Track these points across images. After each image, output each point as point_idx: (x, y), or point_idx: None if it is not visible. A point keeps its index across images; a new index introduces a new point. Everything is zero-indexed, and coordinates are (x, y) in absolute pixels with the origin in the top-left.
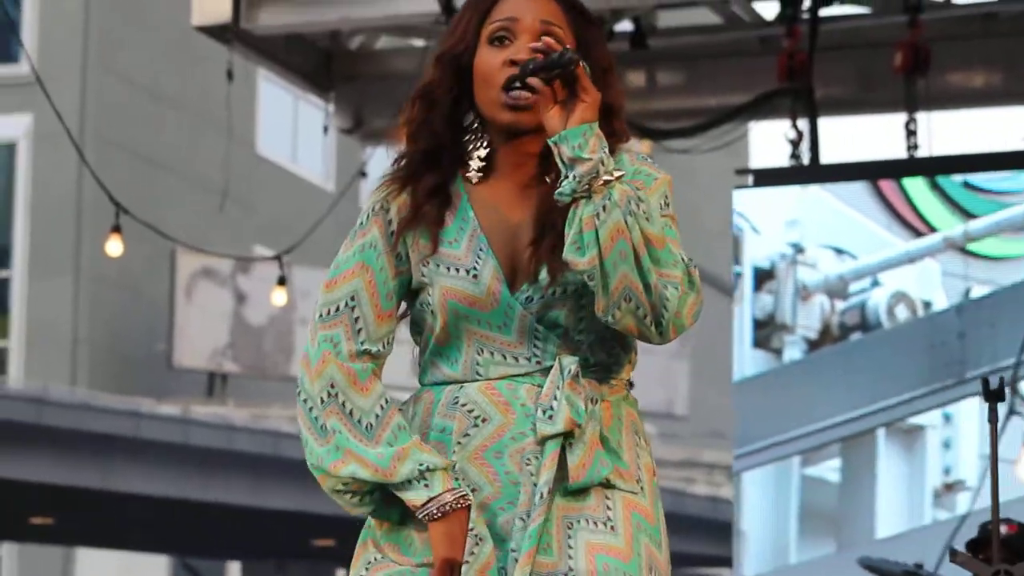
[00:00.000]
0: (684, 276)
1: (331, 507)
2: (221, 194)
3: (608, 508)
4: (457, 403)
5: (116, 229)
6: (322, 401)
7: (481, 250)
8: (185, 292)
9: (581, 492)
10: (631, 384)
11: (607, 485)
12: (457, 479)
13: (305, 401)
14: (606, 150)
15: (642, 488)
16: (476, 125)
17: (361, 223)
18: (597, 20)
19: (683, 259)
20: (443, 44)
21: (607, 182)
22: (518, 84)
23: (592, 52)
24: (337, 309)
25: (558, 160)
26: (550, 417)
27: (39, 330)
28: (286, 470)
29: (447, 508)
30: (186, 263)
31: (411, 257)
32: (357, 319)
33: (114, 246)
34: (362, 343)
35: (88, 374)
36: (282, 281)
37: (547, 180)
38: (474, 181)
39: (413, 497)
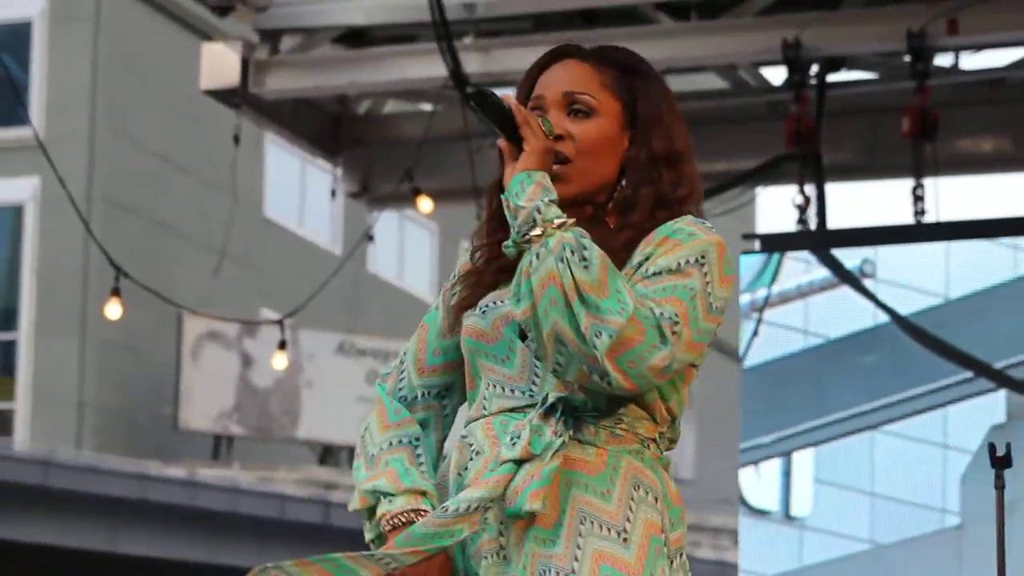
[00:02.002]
0: (648, 328)
1: None
2: (220, 256)
3: (576, 559)
4: (464, 439)
5: (116, 292)
6: (361, 438)
7: (507, 298)
8: (191, 355)
9: (550, 539)
10: (655, 443)
11: (579, 537)
12: (428, 499)
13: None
14: (547, 200)
15: (626, 540)
16: None
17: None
18: (646, 70)
19: (653, 312)
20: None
21: (544, 230)
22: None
23: (638, 104)
24: (392, 368)
25: (507, 215)
26: (513, 443)
27: (45, 392)
28: (292, 533)
29: (398, 520)
30: (192, 326)
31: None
32: (403, 371)
33: (113, 309)
34: (400, 389)
35: (94, 436)
36: (283, 345)
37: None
38: None
39: (378, 512)
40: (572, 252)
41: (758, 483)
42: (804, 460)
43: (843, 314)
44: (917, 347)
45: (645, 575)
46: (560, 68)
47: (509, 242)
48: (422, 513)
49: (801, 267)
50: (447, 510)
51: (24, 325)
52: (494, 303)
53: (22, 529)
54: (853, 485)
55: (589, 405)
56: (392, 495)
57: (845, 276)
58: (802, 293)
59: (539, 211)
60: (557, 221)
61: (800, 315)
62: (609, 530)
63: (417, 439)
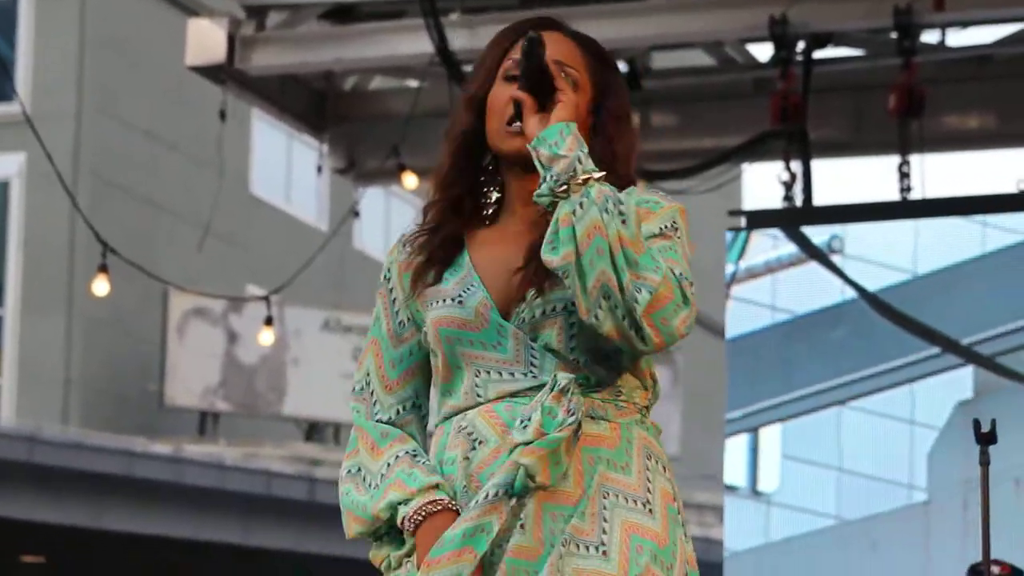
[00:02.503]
0: (675, 288)
1: (323, 546)
2: (204, 231)
3: (604, 532)
4: (462, 430)
5: (103, 269)
6: (349, 473)
7: (472, 285)
8: (177, 331)
9: (576, 515)
10: (648, 410)
11: (604, 511)
12: (442, 488)
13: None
14: (585, 151)
15: (651, 511)
16: (491, 165)
17: (378, 290)
18: (616, 67)
19: (674, 272)
20: (468, 86)
21: (585, 181)
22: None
23: (607, 99)
24: (361, 388)
25: (537, 164)
26: (524, 427)
27: (31, 368)
28: (278, 509)
29: (418, 517)
30: (178, 302)
31: (412, 312)
32: (372, 393)
33: (100, 286)
34: (376, 414)
35: (80, 413)
36: (269, 321)
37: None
38: (487, 222)
39: (398, 519)
40: (613, 205)
41: (725, 458)
42: (771, 436)
43: (811, 290)
44: (884, 323)
45: (671, 543)
46: (547, 37)
47: (544, 189)
48: (439, 503)
49: (769, 243)
50: (477, 502)
51: (10, 301)
52: (466, 290)
53: (8, 505)
54: (820, 461)
55: (592, 380)
56: (406, 500)
57: (813, 252)
58: (770, 269)
59: (580, 160)
60: (596, 174)
61: (768, 291)
62: (635, 502)
63: (414, 451)
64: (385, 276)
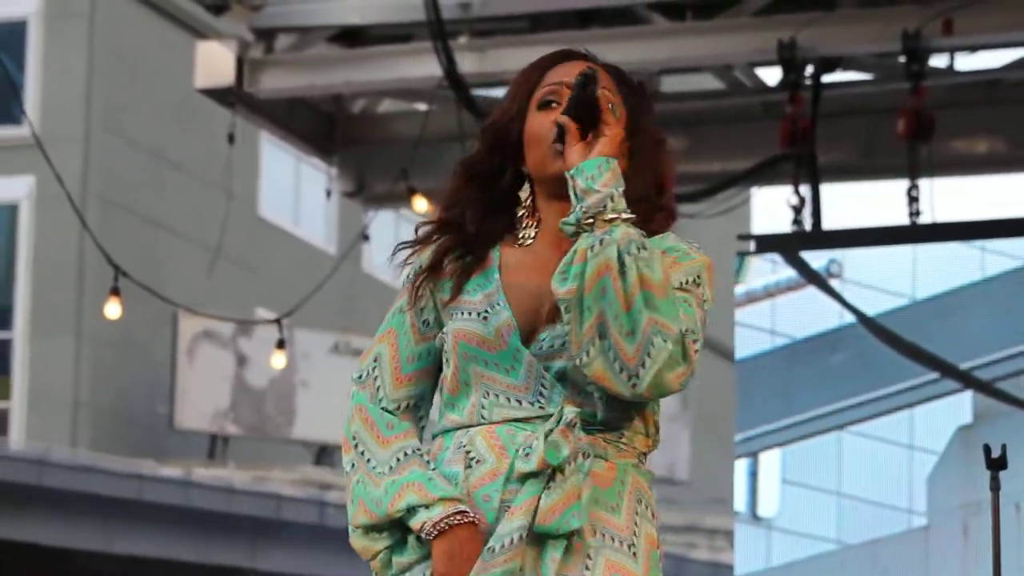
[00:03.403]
0: (678, 342)
1: (333, 570)
2: (213, 254)
3: (587, 569)
4: (461, 447)
5: (115, 291)
6: (353, 466)
7: (498, 303)
8: (187, 354)
9: (565, 550)
10: (645, 456)
11: (590, 548)
12: (464, 503)
13: (348, 474)
14: (620, 190)
15: (635, 553)
16: (529, 200)
17: (400, 291)
18: (645, 92)
19: (683, 328)
20: (491, 118)
21: (612, 220)
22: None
23: (642, 122)
24: (366, 374)
25: (571, 193)
26: (527, 455)
27: (40, 391)
28: (287, 533)
29: (443, 525)
30: (188, 325)
31: (439, 315)
32: (376, 379)
33: (113, 308)
34: (380, 400)
35: (90, 436)
36: (281, 344)
37: None
38: (525, 245)
39: (415, 522)
40: (638, 248)
41: (735, 482)
42: (771, 460)
43: (810, 314)
44: (884, 348)
45: None
46: (580, 67)
47: (571, 219)
48: (465, 515)
49: (768, 267)
50: (493, 551)
51: (19, 324)
52: (492, 307)
53: (17, 528)
54: (820, 485)
55: (598, 417)
56: (427, 505)
57: (812, 276)
58: (769, 293)
59: (612, 199)
60: (625, 215)
61: (767, 315)
62: (621, 543)
63: (419, 450)
64: (418, 271)
